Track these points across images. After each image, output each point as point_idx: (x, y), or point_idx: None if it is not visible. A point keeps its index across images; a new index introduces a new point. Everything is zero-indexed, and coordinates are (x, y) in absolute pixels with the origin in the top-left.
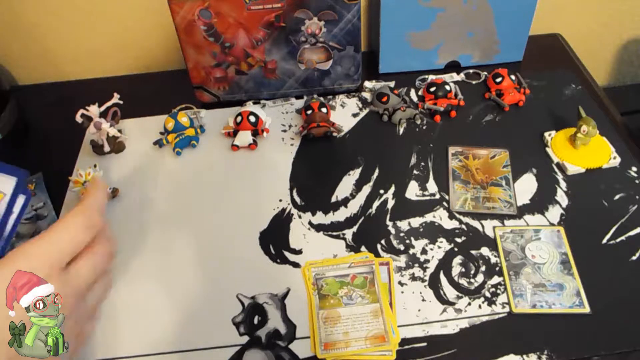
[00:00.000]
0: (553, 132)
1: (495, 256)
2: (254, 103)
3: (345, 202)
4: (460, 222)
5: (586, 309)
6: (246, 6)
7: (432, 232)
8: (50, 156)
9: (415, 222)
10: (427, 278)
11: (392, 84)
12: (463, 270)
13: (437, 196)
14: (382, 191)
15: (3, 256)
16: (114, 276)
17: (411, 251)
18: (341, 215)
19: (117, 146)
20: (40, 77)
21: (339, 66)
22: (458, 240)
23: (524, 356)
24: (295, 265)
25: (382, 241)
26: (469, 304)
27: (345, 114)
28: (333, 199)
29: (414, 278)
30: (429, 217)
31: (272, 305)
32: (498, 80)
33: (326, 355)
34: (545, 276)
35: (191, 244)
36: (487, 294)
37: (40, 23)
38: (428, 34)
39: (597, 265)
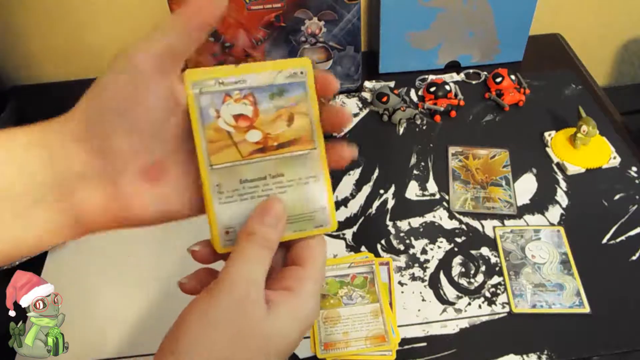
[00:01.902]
0: (553, 132)
1: (495, 256)
2: None
3: (345, 202)
4: (460, 222)
5: (586, 309)
6: (246, 6)
7: (432, 232)
8: None
9: (415, 222)
10: (427, 278)
11: (392, 84)
12: (463, 270)
13: (437, 196)
14: (382, 191)
15: None
16: (113, 277)
17: (411, 251)
18: (341, 215)
19: None
20: (40, 77)
21: (339, 66)
22: (458, 240)
23: (524, 356)
24: None
25: (382, 241)
26: (469, 304)
27: None
28: (333, 199)
29: (414, 278)
30: (429, 217)
31: None
32: (498, 80)
33: (326, 355)
34: (545, 276)
35: (190, 243)
36: (487, 294)
37: (41, 23)
38: (428, 34)
39: (597, 265)
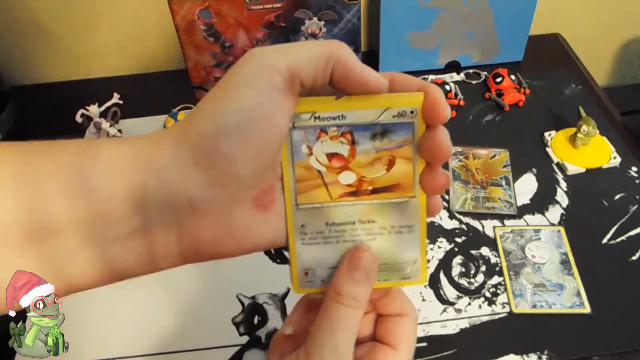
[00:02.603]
0: (553, 132)
1: (495, 256)
2: None
3: None
4: (460, 222)
5: (586, 309)
6: (246, 6)
7: (432, 232)
8: None
9: None
10: (427, 278)
11: None
12: (463, 270)
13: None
14: None
15: None
16: None
17: None
18: None
19: None
20: (40, 77)
21: None
22: (458, 240)
23: (524, 356)
24: None
25: None
26: (469, 304)
27: None
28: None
29: None
30: (428, 217)
31: (272, 305)
32: (498, 80)
33: None
34: (545, 276)
35: None
36: (487, 294)
37: (41, 23)
38: (428, 34)
39: (597, 265)
